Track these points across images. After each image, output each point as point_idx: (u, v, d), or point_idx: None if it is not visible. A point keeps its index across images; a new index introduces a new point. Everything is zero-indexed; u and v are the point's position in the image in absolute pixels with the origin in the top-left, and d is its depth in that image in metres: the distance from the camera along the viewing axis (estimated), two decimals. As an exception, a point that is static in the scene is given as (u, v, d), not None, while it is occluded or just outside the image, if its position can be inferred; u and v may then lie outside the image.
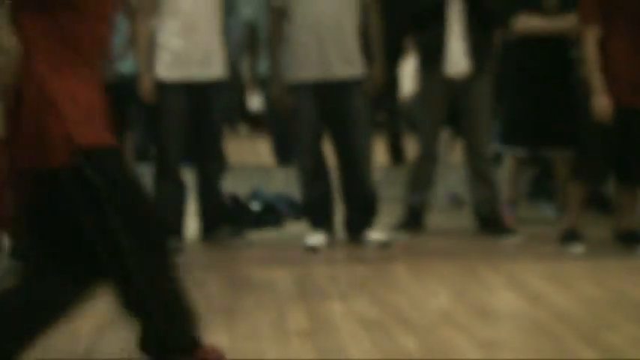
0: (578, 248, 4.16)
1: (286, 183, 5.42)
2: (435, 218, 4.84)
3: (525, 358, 2.78)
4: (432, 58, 4.49)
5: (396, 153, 6.69)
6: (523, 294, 3.51)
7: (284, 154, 6.21)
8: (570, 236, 4.23)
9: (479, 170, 4.59)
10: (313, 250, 4.25)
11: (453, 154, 5.63)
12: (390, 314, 3.25)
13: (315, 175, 4.40)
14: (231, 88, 5.25)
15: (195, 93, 4.21)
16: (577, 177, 4.23)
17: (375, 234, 4.41)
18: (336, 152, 4.45)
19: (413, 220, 4.68)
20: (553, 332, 3.04)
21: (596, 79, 4.04)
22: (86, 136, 1.97)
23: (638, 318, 3.21)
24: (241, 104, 8.17)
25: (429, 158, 4.60)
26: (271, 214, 4.89)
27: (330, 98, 4.26)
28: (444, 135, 5.39)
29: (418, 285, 3.66)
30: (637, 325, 3.12)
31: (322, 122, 4.31)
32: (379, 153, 6.33)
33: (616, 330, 3.05)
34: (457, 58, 4.40)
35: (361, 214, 4.47)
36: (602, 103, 4.01)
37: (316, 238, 4.31)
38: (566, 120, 4.37)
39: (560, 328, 3.08)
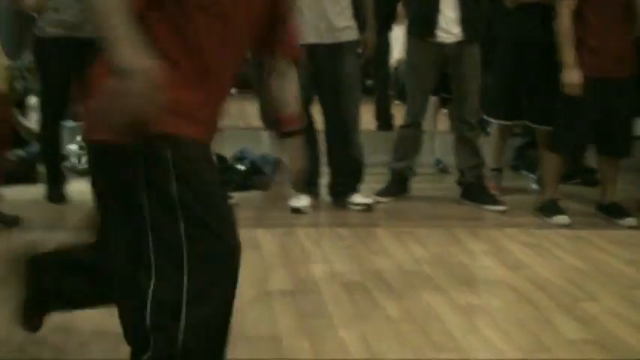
0: (561, 219, 4.19)
1: (273, 145, 5.40)
2: (420, 184, 4.86)
3: (504, 324, 2.82)
4: (423, 24, 4.45)
5: (384, 119, 6.66)
6: (504, 262, 3.55)
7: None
8: (550, 208, 4.27)
9: (465, 138, 4.59)
10: (298, 212, 4.27)
11: (439, 121, 5.64)
12: (372, 277, 3.28)
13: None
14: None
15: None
16: (554, 150, 4.25)
17: (360, 198, 4.43)
18: (325, 116, 4.44)
19: (398, 186, 4.70)
20: (533, 300, 3.08)
21: (568, 52, 4.07)
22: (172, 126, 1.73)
23: (618, 289, 3.27)
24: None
25: (415, 125, 4.60)
26: (258, 175, 4.89)
27: (321, 62, 4.23)
28: (432, 102, 5.39)
29: (401, 249, 3.69)
30: (616, 296, 3.18)
31: (312, 85, 4.29)
32: (367, 118, 6.34)
33: (595, 300, 3.10)
34: (449, 25, 4.38)
35: (347, 179, 4.48)
36: (572, 77, 4.04)
37: (301, 201, 4.32)
38: (549, 92, 4.35)
39: (540, 296, 3.13)
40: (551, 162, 4.28)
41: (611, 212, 4.33)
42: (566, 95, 4.07)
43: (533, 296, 3.13)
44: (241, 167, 4.89)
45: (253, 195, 4.73)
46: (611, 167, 4.32)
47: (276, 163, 4.94)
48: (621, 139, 4.26)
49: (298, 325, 2.74)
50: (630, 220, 4.27)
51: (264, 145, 5.36)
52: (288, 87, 2.14)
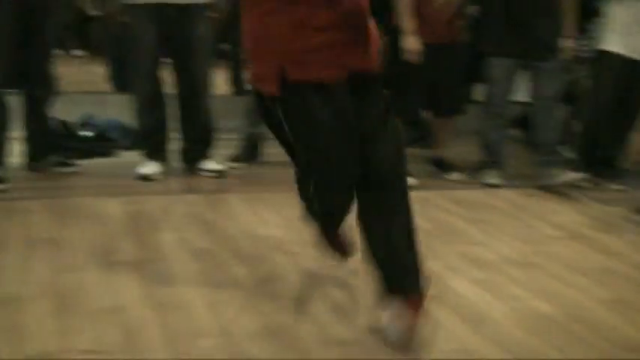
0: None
1: (121, 110, 5.23)
2: (274, 149, 4.84)
3: (348, 283, 2.88)
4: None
5: (238, 84, 6.60)
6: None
7: (121, 79, 5.99)
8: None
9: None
10: (146, 179, 4.17)
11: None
12: (222, 244, 3.26)
13: (150, 103, 4.26)
14: (64, 8, 4.95)
15: (25, 11, 3.91)
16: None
17: (212, 164, 4.38)
18: (175, 80, 4.33)
19: (250, 151, 4.68)
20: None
21: (407, 21, 4.28)
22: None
23: (458, 245, 3.42)
24: (80, 28, 7.76)
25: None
26: (103, 141, 4.73)
27: (171, 24, 4.11)
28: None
29: (251, 215, 3.69)
30: (456, 253, 3.32)
31: (161, 48, 4.16)
32: (220, 83, 6.26)
33: (437, 258, 3.23)
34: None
35: (197, 144, 4.41)
36: (412, 44, 4.27)
37: (150, 167, 4.22)
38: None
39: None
40: None
41: (440, 166, 4.73)
42: (403, 61, 4.24)
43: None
44: (87, 134, 4.70)
45: (100, 162, 4.57)
46: (443, 126, 4.69)
47: (123, 129, 4.79)
48: (450, 100, 4.58)
49: (144, 295, 2.68)
50: (456, 175, 4.69)
51: (110, 109, 5.17)
52: None
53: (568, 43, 4.52)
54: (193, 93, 4.31)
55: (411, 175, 4.32)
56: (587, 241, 3.66)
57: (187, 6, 4.12)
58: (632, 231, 3.91)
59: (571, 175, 4.61)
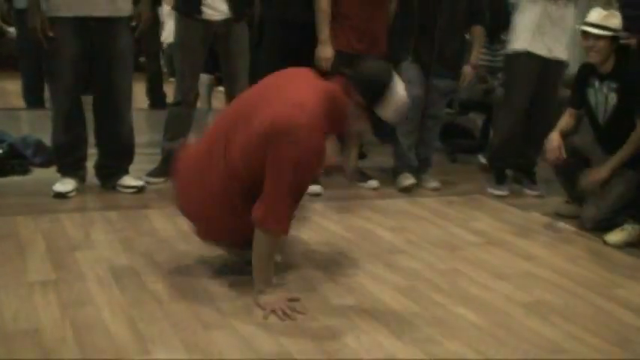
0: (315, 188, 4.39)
1: (35, 126, 5.08)
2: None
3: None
4: (188, 1, 4.37)
5: (157, 96, 6.51)
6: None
7: (35, 95, 5.83)
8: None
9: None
10: (62, 197, 4.04)
11: (216, 100, 5.61)
12: (141, 260, 3.18)
13: (69, 118, 4.13)
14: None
15: None
16: None
17: (130, 180, 4.29)
18: (95, 93, 4.21)
19: (170, 166, 4.58)
20: (300, 268, 3.15)
21: (322, 30, 4.38)
22: None
23: (381, 254, 3.44)
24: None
25: (186, 103, 4.51)
26: (17, 159, 4.57)
27: (93, 36, 4.00)
28: (207, 80, 5.34)
29: (172, 230, 3.61)
30: (379, 262, 3.34)
31: (83, 60, 4.05)
32: (139, 96, 6.15)
33: (360, 267, 3.24)
34: (215, 3, 4.33)
35: (116, 160, 4.31)
36: (324, 52, 4.38)
37: (66, 185, 4.09)
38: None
39: (308, 265, 3.21)
40: None
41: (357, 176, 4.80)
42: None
43: (300, 264, 3.21)
44: (-1, 151, 4.54)
45: (14, 180, 4.41)
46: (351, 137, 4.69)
47: (38, 145, 4.64)
48: None
49: (61, 316, 2.59)
50: (372, 183, 4.77)
51: (23, 126, 5.01)
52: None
53: (468, 70, 4.75)
54: (114, 107, 4.20)
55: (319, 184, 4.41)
56: (507, 247, 3.74)
57: (111, 18, 4.02)
58: (550, 235, 4.01)
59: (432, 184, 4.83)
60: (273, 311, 2.70)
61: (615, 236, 3.84)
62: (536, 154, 4.91)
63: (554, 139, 4.17)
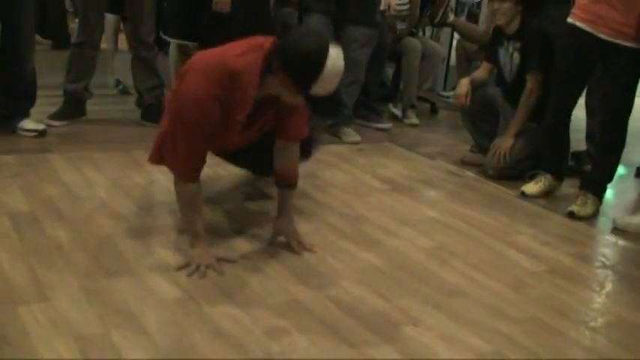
0: None
1: None
2: (99, 107, 4.67)
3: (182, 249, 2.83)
4: None
5: (61, 36, 6.27)
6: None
7: None
8: None
9: (142, 57, 4.50)
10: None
11: (121, 41, 5.44)
12: (42, 206, 3.08)
13: None
14: None
15: None
16: None
17: (31, 124, 4.13)
18: None
19: (73, 108, 4.45)
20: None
21: None
22: None
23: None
24: None
25: (89, 44, 4.36)
26: None
27: None
28: (111, 20, 5.16)
29: (74, 175, 3.51)
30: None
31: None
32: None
33: (265, 212, 3.24)
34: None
35: (17, 101, 4.14)
36: None
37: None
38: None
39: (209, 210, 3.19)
40: None
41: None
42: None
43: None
44: None
45: None
46: None
47: None
48: None
49: (-45, 264, 2.50)
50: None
51: None
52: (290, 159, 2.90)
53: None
54: (16, 45, 4.02)
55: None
56: (412, 194, 3.80)
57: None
58: (454, 183, 4.11)
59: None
60: (197, 267, 2.60)
61: (532, 188, 3.92)
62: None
63: (463, 84, 4.29)
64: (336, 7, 4.58)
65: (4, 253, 2.61)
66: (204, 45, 3.80)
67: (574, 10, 3.65)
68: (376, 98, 5.39)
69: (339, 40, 4.43)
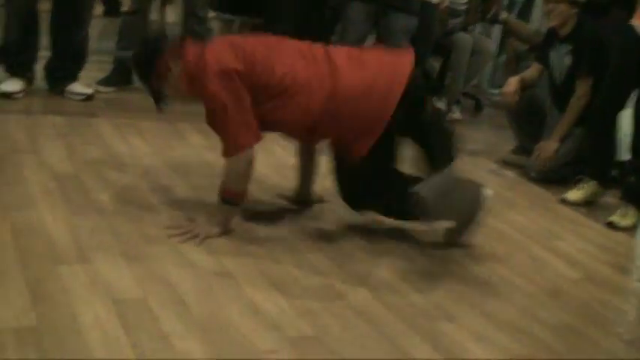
0: None
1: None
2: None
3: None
4: None
5: (111, 4, 6.31)
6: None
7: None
8: None
9: (194, 32, 4.50)
10: (8, 97, 3.92)
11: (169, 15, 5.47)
12: (85, 169, 3.13)
13: (23, 16, 3.99)
14: None
15: None
16: None
17: (79, 87, 4.18)
18: None
19: (121, 76, 4.50)
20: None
21: None
22: None
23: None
24: None
25: (141, 13, 4.40)
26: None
27: None
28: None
29: (119, 140, 3.55)
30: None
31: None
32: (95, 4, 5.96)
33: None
34: None
35: (67, 64, 4.19)
36: None
37: (12, 85, 3.97)
38: None
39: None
40: None
41: None
42: None
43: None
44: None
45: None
46: None
47: None
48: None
49: (1, 219, 2.53)
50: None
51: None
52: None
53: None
54: (76, 11, 4.08)
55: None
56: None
57: None
58: (495, 183, 4.06)
59: None
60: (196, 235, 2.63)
61: (575, 195, 3.87)
62: None
63: (511, 83, 4.23)
64: None
65: (49, 213, 2.65)
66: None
67: (637, 14, 3.59)
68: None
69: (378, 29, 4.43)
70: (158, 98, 2.78)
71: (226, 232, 2.70)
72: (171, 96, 2.79)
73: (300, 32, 3.14)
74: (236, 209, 2.73)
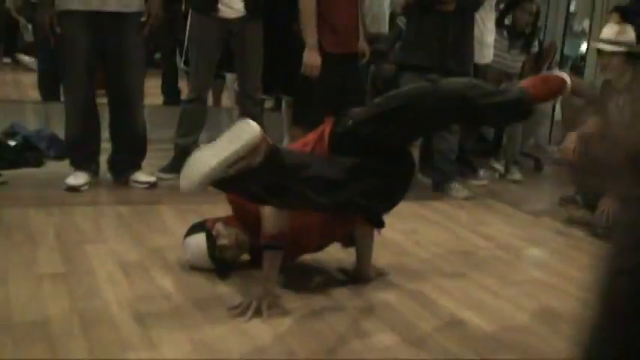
0: None
1: (50, 119, 5.12)
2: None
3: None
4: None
5: (171, 93, 6.53)
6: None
7: (50, 88, 5.86)
8: None
9: (249, 112, 4.62)
10: (75, 190, 4.07)
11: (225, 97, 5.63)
12: (151, 256, 3.20)
13: (82, 112, 4.17)
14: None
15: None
16: (296, 123, 4.53)
17: (143, 176, 4.31)
18: (108, 88, 4.25)
19: (182, 162, 4.58)
20: (304, 268, 3.15)
21: (309, 34, 4.32)
22: None
23: (389, 256, 3.42)
24: (7, 34, 7.59)
25: (200, 100, 4.54)
26: (31, 151, 4.60)
27: (104, 31, 4.03)
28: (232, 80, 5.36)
29: (181, 226, 3.60)
30: (386, 264, 3.33)
31: (95, 55, 4.08)
32: (154, 92, 6.18)
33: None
34: (231, 1, 4.35)
35: (129, 155, 4.34)
36: (311, 59, 4.32)
37: (78, 178, 4.13)
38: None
39: (318, 265, 3.21)
40: (295, 134, 4.45)
41: None
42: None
43: (308, 265, 3.22)
44: (12, 143, 4.57)
45: (27, 172, 4.45)
46: None
47: (52, 138, 4.68)
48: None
49: (70, 308, 2.60)
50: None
51: (38, 119, 5.05)
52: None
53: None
54: (126, 102, 4.24)
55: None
56: (515, 252, 3.73)
57: (122, 13, 4.05)
58: (559, 242, 4.00)
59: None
60: (255, 307, 2.68)
61: None
62: None
63: (571, 138, 4.17)
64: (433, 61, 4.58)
65: (115, 301, 2.71)
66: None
67: None
68: (472, 153, 5.35)
69: None
70: (223, 268, 3.05)
71: (272, 285, 2.77)
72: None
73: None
74: (279, 253, 2.76)
